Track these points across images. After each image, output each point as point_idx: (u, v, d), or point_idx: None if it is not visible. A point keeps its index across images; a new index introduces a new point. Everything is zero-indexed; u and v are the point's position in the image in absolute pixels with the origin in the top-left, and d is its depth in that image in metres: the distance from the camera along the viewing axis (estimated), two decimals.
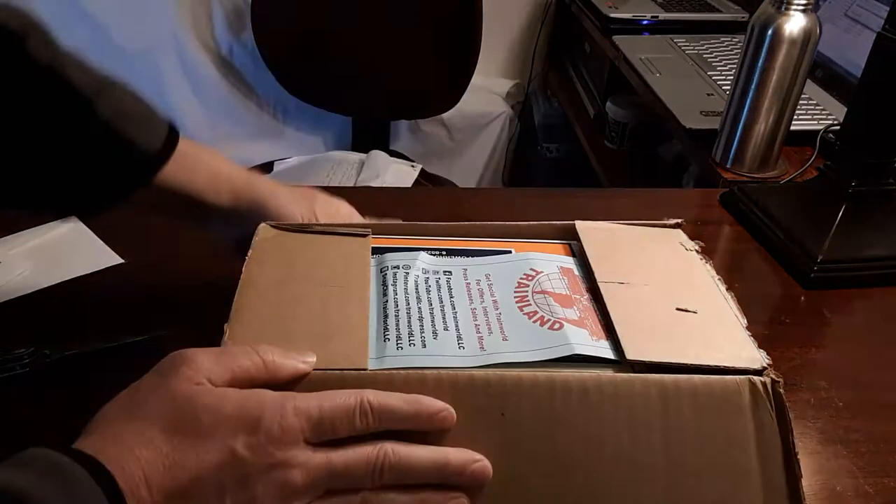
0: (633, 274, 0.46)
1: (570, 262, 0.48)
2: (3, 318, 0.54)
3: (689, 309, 0.43)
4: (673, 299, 0.44)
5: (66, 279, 0.58)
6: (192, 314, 0.53)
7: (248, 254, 0.46)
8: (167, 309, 0.54)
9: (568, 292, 0.45)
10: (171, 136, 0.50)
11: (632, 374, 0.38)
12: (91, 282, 0.58)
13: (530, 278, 0.46)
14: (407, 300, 0.44)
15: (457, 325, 0.42)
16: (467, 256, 0.48)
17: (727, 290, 0.45)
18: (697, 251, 0.49)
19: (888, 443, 0.47)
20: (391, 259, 0.47)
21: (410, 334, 0.41)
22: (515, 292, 0.45)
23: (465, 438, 0.36)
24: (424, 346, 0.40)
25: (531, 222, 0.51)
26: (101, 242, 0.62)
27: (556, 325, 0.42)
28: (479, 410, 0.37)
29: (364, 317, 0.42)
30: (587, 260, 0.47)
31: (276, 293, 0.43)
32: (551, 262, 0.48)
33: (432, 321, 0.42)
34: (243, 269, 0.44)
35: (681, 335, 0.41)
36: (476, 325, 0.42)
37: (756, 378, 0.38)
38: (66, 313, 0.55)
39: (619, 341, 0.40)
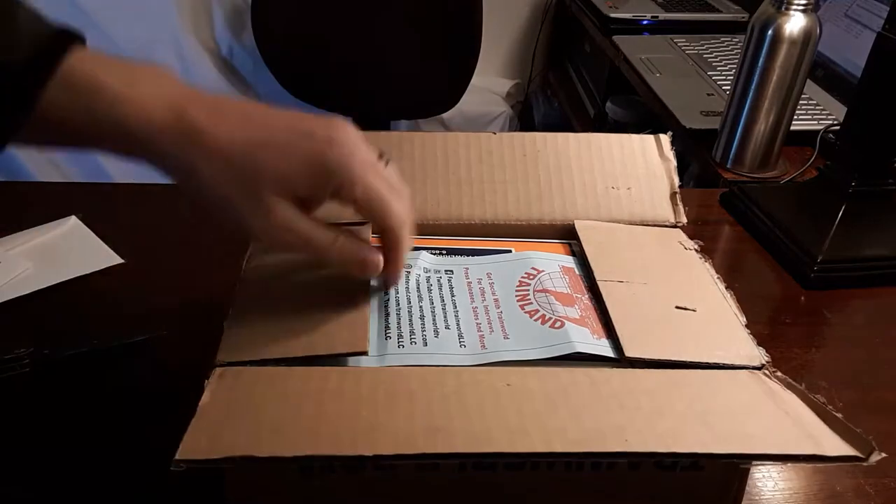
0: (632, 273, 0.46)
1: (570, 262, 0.48)
2: (3, 318, 0.54)
3: (688, 307, 0.43)
4: (672, 298, 0.44)
5: (66, 279, 0.58)
6: (193, 314, 0.53)
7: (248, 251, 0.46)
8: (167, 309, 0.54)
9: (569, 291, 0.45)
10: (56, 45, 0.36)
11: (636, 370, 0.38)
12: (91, 282, 0.58)
13: (531, 277, 0.46)
14: (408, 299, 0.44)
15: (458, 324, 0.42)
16: (468, 256, 0.49)
17: (726, 288, 0.45)
18: (696, 250, 0.50)
19: (888, 443, 0.47)
20: None
21: (412, 332, 0.41)
22: (517, 291, 0.45)
23: (473, 407, 0.35)
24: (426, 344, 0.40)
25: (531, 222, 0.51)
26: (101, 242, 0.62)
27: (558, 324, 0.42)
28: (485, 383, 0.36)
29: (365, 303, 0.42)
30: (587, 259, 0.47)
31: (276, 287, 0.43)
32: (552, 260, 0.48)
33: (433, 319, 0.42)
34: (243, 266, 0.44)
35: (680, 333, 0.41)
36: (477, 323, 0.42)
37: (757, 372, 0.38)
38: (66, 313, 0.55)
39: (618, 339, 0.40)
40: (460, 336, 0.41)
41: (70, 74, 0.36)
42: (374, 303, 0.44)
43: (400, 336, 0.41)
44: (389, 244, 0.41)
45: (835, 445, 0.33)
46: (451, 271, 0.47)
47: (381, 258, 0.40)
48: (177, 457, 0.30)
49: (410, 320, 0.42)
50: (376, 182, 0.39)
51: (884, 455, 0.32)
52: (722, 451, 0.33)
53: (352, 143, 0.38)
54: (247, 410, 0.34)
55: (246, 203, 0.37)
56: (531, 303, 0.44)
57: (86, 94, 0.36)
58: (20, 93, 0.35)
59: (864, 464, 0.32)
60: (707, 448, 0.33)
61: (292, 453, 0.31)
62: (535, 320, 0.42)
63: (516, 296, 0.44)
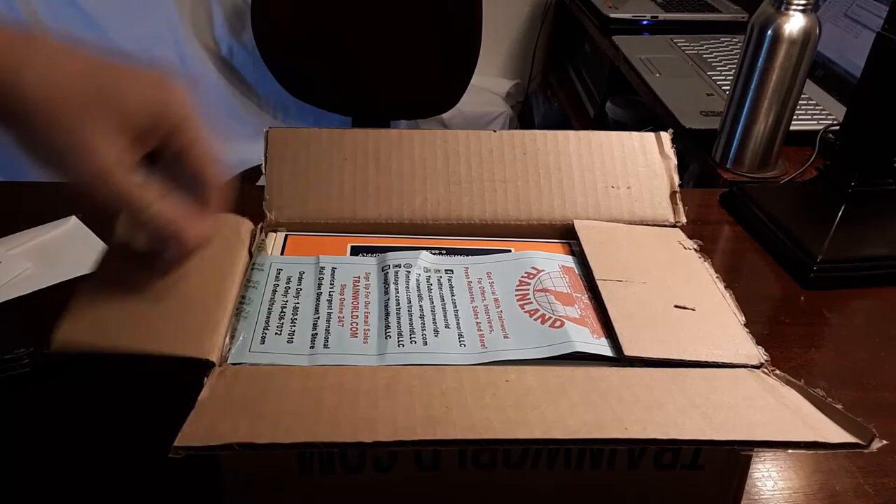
0: (631, 272, 0.46)
1: (570, 261, 0.48)
2: (3, 318, 0.54)
3: (686, 306, 0.43)
4: (671, 297, 0.44)
5: (66, 279, 0.58)
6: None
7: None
8: None
9: (569, 290, 0.45)
10: None
11: (637, 369, 0.39)
12: None
13: (531, 276, 0.46)
14: (408, 298, 0.44)
15: (458, 323, 0.42)
16: (468, 256, 0.49)
17: (725, 288, 0.45)
18: (696, 250, 0.50)
19: (888, 443, 0.47)
20: (392, 258, 0.47)
21: (412, 332, 0.41)
22: (517, 290, 0.45)
23: (472, 401, 0.35)
24: (426, 343, 0.40)
25: (531, 222, 0.51)
26: (102, 242, 0.62)
27: (558, 323, 0.42)
28: (484, 380, 0.36)
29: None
30: (586, 259, 0.47)
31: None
32: (552, 260, 0.48)
33: (433, 319, 0.42)
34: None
35: (679, 332, 0.41)
36: (477, 322, 0.42)
37: (757, 370, 0.38)
38: None
39: (617, 338, 0.40)
40: (460, 335, 0.41)
41: None
42: (374, 303, 0.44)
43: (400, 335, 0.41)
44: (205, 200, 0.38)
45: (836, 433, 0.33)
46: (451, 271, 0.47)
47: (205, 236, 0.37)
48: (175, 443, 0.30)
49: (410, 320, 0.42)
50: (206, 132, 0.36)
51: (884, 442, 0.32)
52: (723, 438, 0.32)
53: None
54: (246, 403, 0.34)
55: (75, 131, 0.32)
56: (531, 302, 0.44)
57: None
58: None
59: (866, 451, 0.32)
60: (707, 436, 0.33)
61: (291, 440, 0.31)
62: (535, 320, 0.42)
63: (516, 295, 0.44)
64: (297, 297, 0.44)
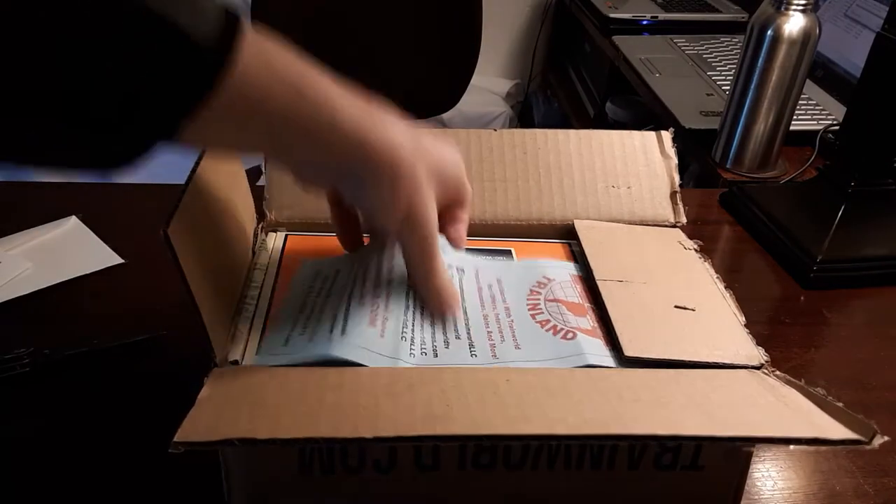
0: (631, 272, 0.46)
1: (578, 269, 0.48)
2: (3, 318, 0.54)
3: (687, 307, 0.43)
4: (671, 297, 0.44)
5: (66, 279, 0.58)
6: (193, 314, 0.53)
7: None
8: (167, 309, 0.54)
9: (580, 301, 0.45)
10: (231, 21, 0.31)
11: (637, 370, 0.38)
12: (91, 282, 0.58)
13: (543, 286, 0.46)
14: (420, 304, 0.43)
15: (469, 333, 0.42)
16: (474, 256, 0.48)
17: (725, 288, 0.45)
18: (696, 250, 0.50)
19: (888, 443, 0.47)
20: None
21: (423, 342, 0.41)
22: (528, 300, 0.44)
23: (473, 398, 0.34)
24: (436, 356, 0.40)
25: (531, 222, 0.51)
26: (101, 242, 0.62)
27: (570, 335, 0.41)
28: (484, 380, 0.36)
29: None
30: (586, 259, 0.47)
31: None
32: (563, 269, 0.48)
33: (444, 329, 0.42)
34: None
35: (679, 333, 0.41)
36: (488, 332, 0.42)
37: (757, 371, 0.38)
38: (66, 313, 0.55)
39: (617, 339, 0.40)
40: (471, 345, 0.41)
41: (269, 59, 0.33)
42: (393, 303, 0.43)
43: (411, 345, 0.40)
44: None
45: (837, 430, 0.33)
46: (463, 270, 0.46)
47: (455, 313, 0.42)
48: (175, 439, 0.30)
49: (422, 328, 0.41)
50: None
51: (886, 439, 0.32)
52: (724, 434, 0.32)
53: None
54: (246, 401, 0.34)
55: (419, 189, 0.37)
56: (542, 312, 0.43)
57: (291, 83, 0.34)
58: (209, 69, 0.30)
59: (868, 447, 0.32)
60: (709, 432, 0.32)
61: (291, 436, 0.31)
62: (547, 331, 0.42)
63: (528, 305, 0.44)
64: (327, 296, 0.43)
